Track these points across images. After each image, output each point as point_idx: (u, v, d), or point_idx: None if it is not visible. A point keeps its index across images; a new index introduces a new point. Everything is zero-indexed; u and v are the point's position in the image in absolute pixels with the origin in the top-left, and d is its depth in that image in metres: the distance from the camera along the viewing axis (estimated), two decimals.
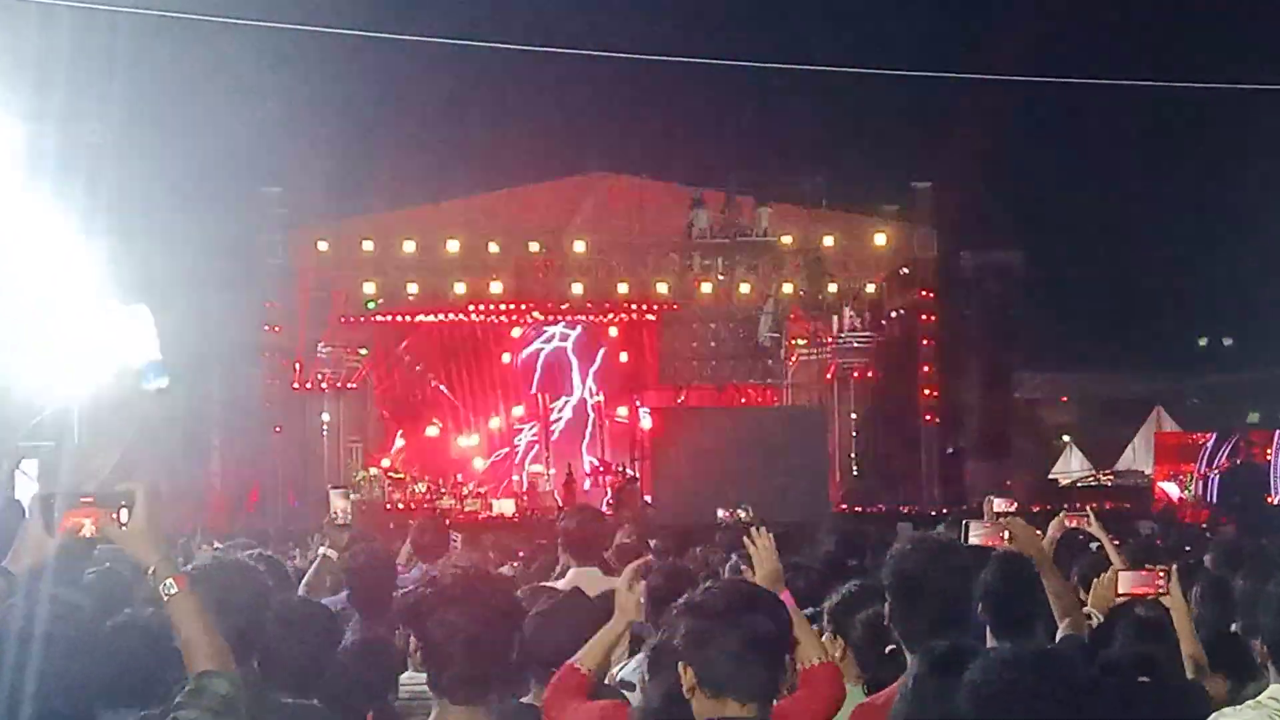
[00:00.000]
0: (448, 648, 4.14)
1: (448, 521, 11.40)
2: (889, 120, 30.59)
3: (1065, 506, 10.08)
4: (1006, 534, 6.62)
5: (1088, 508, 9.23)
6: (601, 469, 32.71)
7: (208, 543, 13.51)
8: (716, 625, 3.97)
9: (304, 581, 8.19)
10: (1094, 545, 8.67)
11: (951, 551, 5.24)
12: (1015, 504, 9.07)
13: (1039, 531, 6.99)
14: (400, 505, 30.49)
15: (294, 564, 10.45)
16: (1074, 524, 8.16)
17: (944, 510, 19.39)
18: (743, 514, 11.69)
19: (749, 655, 3.95)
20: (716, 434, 27.92)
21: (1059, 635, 6.28)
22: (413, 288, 32.29)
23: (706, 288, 31.92)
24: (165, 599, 4.03)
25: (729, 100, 30.53)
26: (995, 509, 8.44)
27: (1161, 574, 6.68)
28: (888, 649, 5.53)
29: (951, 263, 32.85)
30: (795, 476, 26.08)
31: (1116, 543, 8.55)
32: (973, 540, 6.76)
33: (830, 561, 9.19)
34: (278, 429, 31.51)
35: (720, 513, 12.36)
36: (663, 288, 31.83)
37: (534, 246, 32.08)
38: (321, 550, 8.54)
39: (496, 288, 32.19)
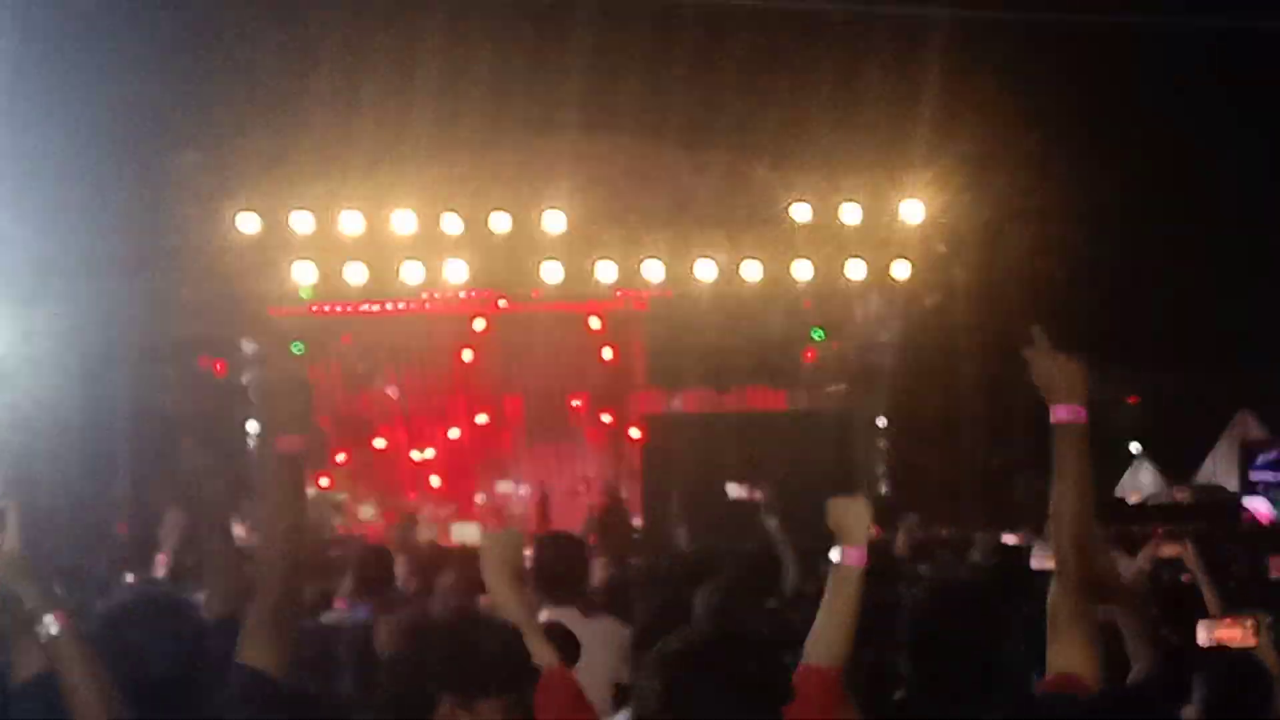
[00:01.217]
0: None
1: (417, 551, 11.35)
2: (923, 67, 30.48)
3: (1136, 528, 10.04)
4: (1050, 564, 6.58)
5: (1185, 537, 9.17)
6: (582, 488, 32.68)
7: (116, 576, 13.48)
8: (700, 678, 3.93)
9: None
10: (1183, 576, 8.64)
11: (978, 600, 5.17)
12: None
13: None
14: (341, 532, 30.45)
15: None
16: (1168, 553, 8.11)
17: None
18: (760, 494, 11.74)
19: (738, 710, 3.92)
20: (718, 445, 27.85)
21: (1130, 678, 6.26)
22: (355, 272, 32.21)
23: (706, 270, 31.87)
24: (44, 640, 4.00)
25: (732, 43, 30.43)
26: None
27: (1249, 623, 6.64)
28: None
29: (998, 238, 32.80)
30: (812, 495, 25.97)
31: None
32: (1035, 564, 6.77)
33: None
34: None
35: (732, 489, 12.43)
36: (654, 270, 31.76)
37: (500, 222, 32.02)
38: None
39: (455, 271, 32.12)
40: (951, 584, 5.33)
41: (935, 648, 4.89)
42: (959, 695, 5.35)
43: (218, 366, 32.00)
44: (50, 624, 3.94)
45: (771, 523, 10.87)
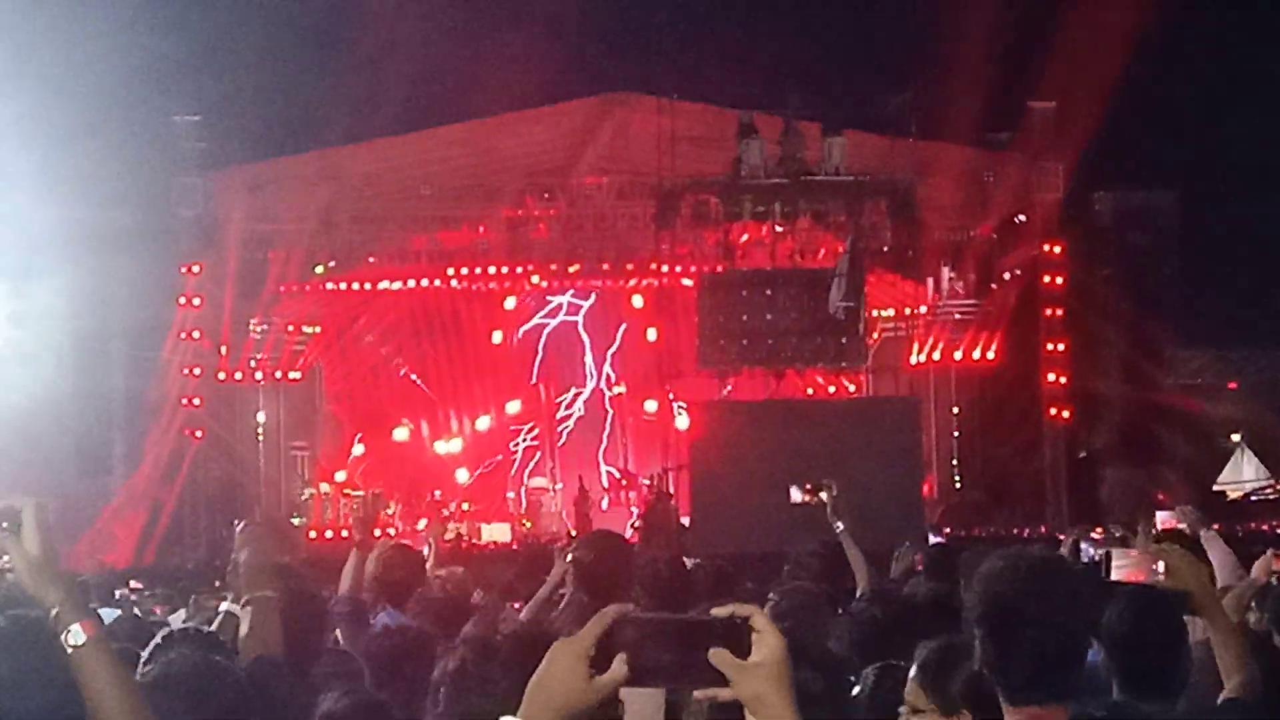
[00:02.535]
0: None
1: (426, 551, 11.31)
2: (996, 19, 30.32)
3: (1239, 528, 9.96)
4: (1160, 566, 6.52)
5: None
6: (624, 482, 32.65)
7: (117, 586, 13.50)
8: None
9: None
10: None
11: (1061, 571, 5.17)
12: (1184, 520, 8.94)
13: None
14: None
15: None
16: None
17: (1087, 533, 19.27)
18: (825, 495, 11.61)
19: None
20: (774, 435, 27.77)
21: (1221, 698, 6.18)
22: (373, 246, 32.27)
23: (759, 242, 31.76)
24: (70, 650, 4.00)
25: None
26: (1161, 525, 8.39)
27: None
28: None
29: (1083, 207, 32.64)
30: (879, 490, 25.90)
31: None
32: (1116, 574, 6.66)
33: (905, 600, 9.09)
34: (198, 433, 31.50)
35: (795, 493, 12.30)
36: (702, 243, 31.68)
37: (533, 190, 32.03)
38: (224, 607, 8.44)
39: (484, 245, 32.14)
40: (1023, 553, 5.38)
41: (1006, 615, 4.96)
42: (1166, 695, 5.85)
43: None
44: (76, 633, 3.94)
45: (839, 526, 10.80)
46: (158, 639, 6.21)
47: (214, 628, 8.33)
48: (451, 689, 5.34)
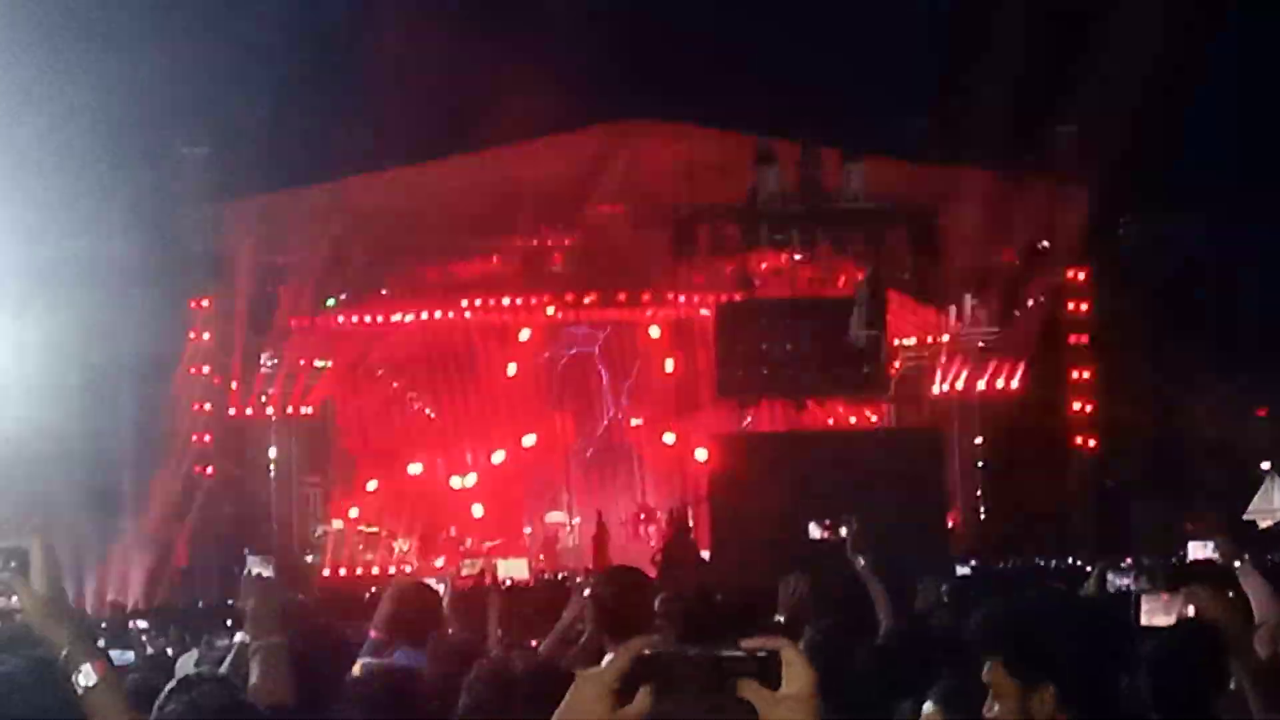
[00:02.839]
0: None
1: (442, 589, 11.28)
2: (1020, 42, 30.31)
3: (1269, 558, 9.93)
4: (1190, 610, 6.60)
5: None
6: (642, 516, 32.62)
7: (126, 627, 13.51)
8: None
9: (227, 665, 8.14)
10: None
11: (1073, 608, 5.20)
12: (1222, 551, 8.91)
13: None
14: (376, 569, 30.48)
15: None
16: None
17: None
18: (845, 530, 11.58)
19: None
20: (795, 468, 27.72)
21: None
22: (386, 279, 32.31)
23: (778, 270, 31.77)
24: (81, 691, 4.00)
25: (803, 21, 30.37)
26: (1193, 555, 8.42)
27: None
28: None
29: (1108, 232, 32.63)
30: (903, 523, 25.85)
31: None
32: (1146, 618, 6.75)
33: (930, 633, 9.07)
34: (208, 470, 31.53)
35: (814, 530, 12.28)
36: (720, 272, 31.69)
37: (547, 220, 32.07)
38: (238, 638, 8.46)
39: (498, 276, 32.17)
40: (1036, 590, 5.56)
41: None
42: None
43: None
44: (88, 674, 3.94)
45: (859, 562, 10.77)
46: (171, 684, 6.23)
47: (229, 659, 8.37)
48: None
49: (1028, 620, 4.86)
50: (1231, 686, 6.31)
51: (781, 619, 10.61)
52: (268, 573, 8.70)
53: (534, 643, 12.15)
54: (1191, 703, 5.91)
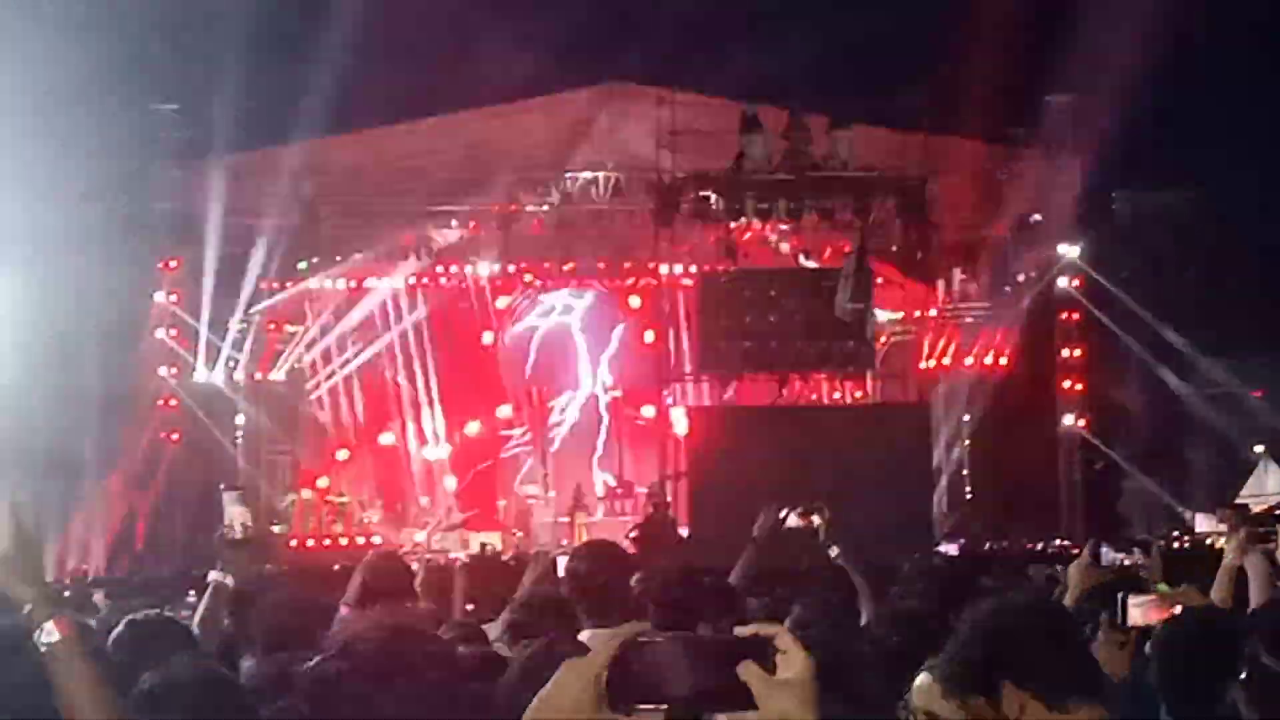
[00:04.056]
0: None
1: (415, 564, 11.23)
2: (1013, 9, 30.27)
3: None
4: (1179, 610, 6.66)
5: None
6: (620, 491, 32.57)
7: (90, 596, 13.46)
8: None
9: (196, 621, 8.13)
10: None
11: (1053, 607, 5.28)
12: (1227, 522, 8.94)
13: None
14: (344, 540, 30.42)
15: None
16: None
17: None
18: (817, 518, 11.56)
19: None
20: (778, 442, 27.73)
21: None
22: (359, 242, 32.21)
23: (763, 241, 31.73)
24: (43, 649, 3.98)
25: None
26: (1200, 527, 8.50)
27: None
28: None
29: (1101, 207, 32.62)
30: (886, 501, 25.91)
31: None
32: (1134, 616, 6.76)
33: (914, 616, 9.02)
34: (174, 436, 31.46)
35: (791, 519, 12.25)
36: (703, 241, 31.64)
37: (525, 185, 31.98)
38: (212, 576, 8.47)
39: (475, 242, 32.08)
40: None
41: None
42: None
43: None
44: (49, 631, 3.92)
45: (833, 552, 10.77)
46: (121, 626, 6.23)
47: (206, 597, 8.37)
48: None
49: (1010, 629, 4.89)
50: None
51: (755, 538, 10.68)
52: (242, 509, 8.74)
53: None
54: (1201, 692, 5.92)
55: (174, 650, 6.45)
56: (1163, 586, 7.26)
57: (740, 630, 2.86)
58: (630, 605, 8.32)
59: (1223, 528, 8.92)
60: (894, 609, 9.00)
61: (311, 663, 4.28)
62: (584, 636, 7.79)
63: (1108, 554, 13.32)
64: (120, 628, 6.51)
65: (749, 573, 10.33)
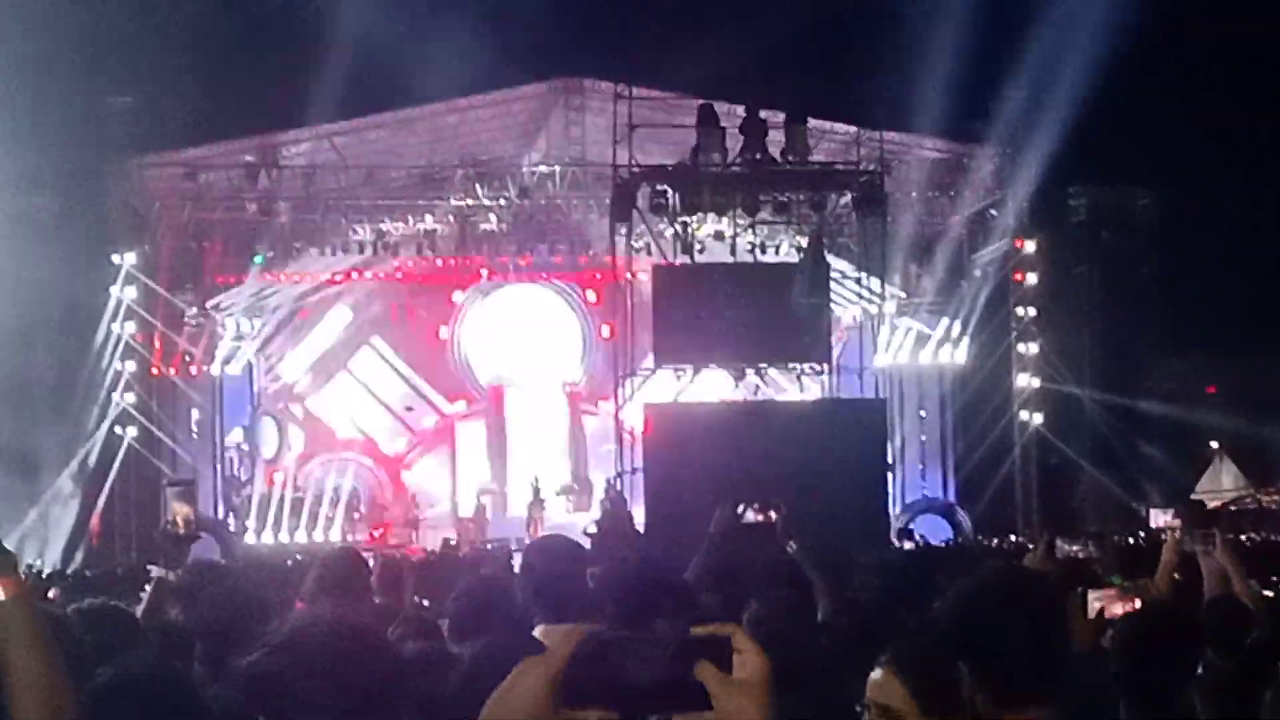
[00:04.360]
0: None
1: (371, 559, 11.20)
2: (970, 5, 30.33)
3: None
4: (1138, 604, 6.74)
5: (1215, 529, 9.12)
6: (577, 486, 32.58)
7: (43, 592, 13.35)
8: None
9: (140, 613, 8.13)
10: None
11: (1038, 586, 5.25)
12: (1183, 519, 8.98)
13: None
14: (301, 536, 30.38)
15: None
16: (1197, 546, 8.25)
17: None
18: (774, 514, 11.59)
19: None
20: (734, 438, 27.69)
21: None
22: (315, 237, 32.13)
23: (719, 235, 31.72)
24: None
25: None
26: (1155, 523, 8.58)
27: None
28: None
29: (1057, 203, 32.69)
30: (842, 496, 25.90)
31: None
32: (1093, 612, 6.82)
33: (869, 610, 9.03)
34: (130, 430, 31.34)
35: (748, 514, 12.28)
36: (660, 236, 31.62)
37: (482, 179, 31.93)
38: (154, 571, 8.46)
39: (431, 236, 32.02)
40: (1002, 569, 5.58)
41: (986, 637, 5.07)
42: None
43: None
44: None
45: (790, 547, 10.78)
46: (70, 612, 6.22)
47: (149, 591, 8.38)
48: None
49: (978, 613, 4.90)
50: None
51: (711, 533, 10.69)
52: (185, 507, 8.83)
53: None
54: (1159, 688, 5.95)
55: (123, 639, 6.46)
56: (1117, 579, 7.32)
57: (697, 630, 2.86)
58: (586, 601, 8.32)
59: (1177, 523, 8.94)
60: (849, 604, 9.03)
61: (252, 657, 4.28)
62: (538, 632, 7.79)
63: (1062, 547, 13.40)
64: (70, 614, 6.52)
65: (705, 569, 10.33)
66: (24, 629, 3.94)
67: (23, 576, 4.11)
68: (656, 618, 7.55)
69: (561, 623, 7.66)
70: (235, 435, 33.63)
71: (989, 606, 4.87)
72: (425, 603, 12.25)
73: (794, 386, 33.11)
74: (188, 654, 6.59)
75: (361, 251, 32.92)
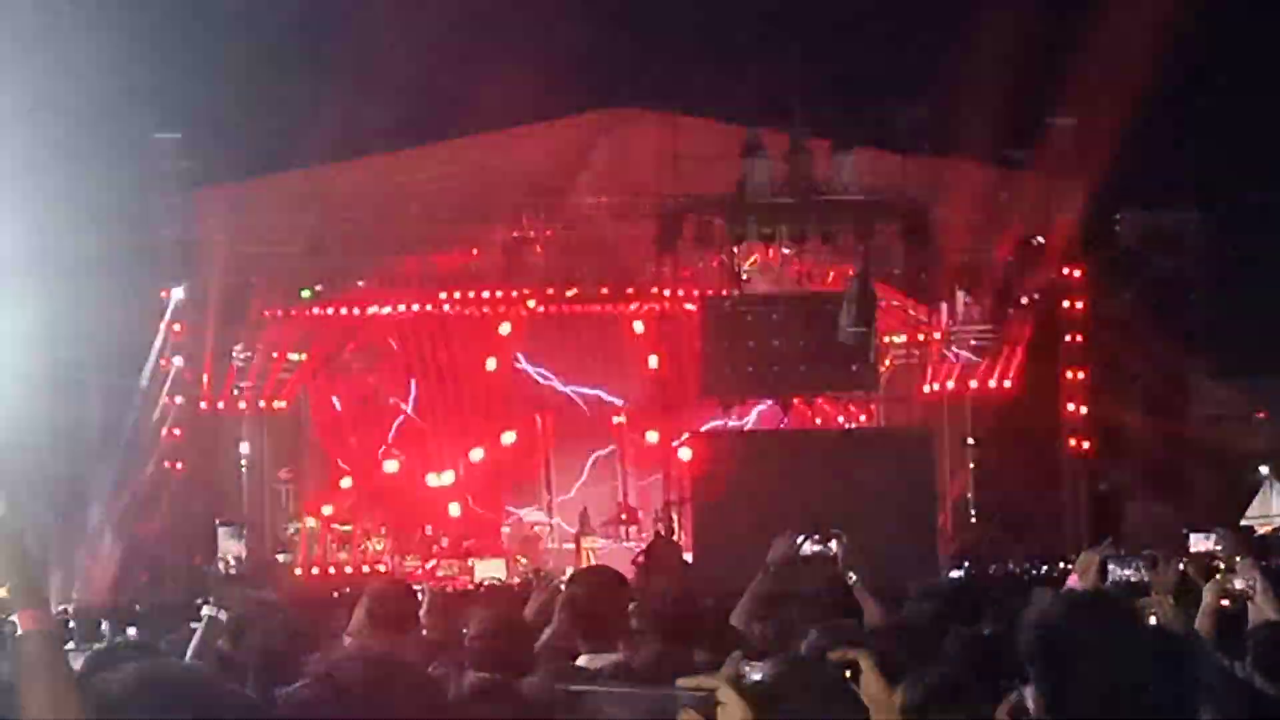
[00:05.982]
0: None
1: (421, 593, 11.23)
2: (1015, 30, 30.28)
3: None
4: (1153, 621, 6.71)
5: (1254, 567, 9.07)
6: (624, 517, 32.57)
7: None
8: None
9: (189, 653, 8.16)
10: None
11: (1128, 614, 5.25)
12: (1221, 544, 8.97)
13: None
14: (349, 568, 30.43)
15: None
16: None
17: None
18: (834, 544, 11.60)
19: None
20: (781, 468, 27.71)
21: None
22: (362, 269, 32.24)
23: (766, 265, 31.74)
24: (12, 639, 3.97)
25: (793, 8, 30.34)
26: (1194, 548, 8.55)
27: None
28: None
29: (1105, 229, 32.61)
30: (891, 524, 25.88)
31: None
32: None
33: (924, 634, 9.05)
34: (178, 465, 31.45)
35: (806, 546, 12.26)
36: (706, 266, 31.65)
37: (529, 211, 32.00)
38: (205, 611, 8.51)
39: (478, 268, 32.10)
40: (1090, 592, 5.52)
41: (1068, 659, 5.06)
42: None
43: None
44: (17, 623, 3.88)
45: (851, 578, 10.78)
46: (98, 647, 6.24)
47: (199, 631, 8.42)
48: None
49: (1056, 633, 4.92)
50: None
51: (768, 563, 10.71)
52: (237, 545, 8.88)
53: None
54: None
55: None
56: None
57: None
58: (627, 631, 8.38)
59: (1219, 548, 8.89)
60: (896, 624, 9.05)
61: (292, 688, 4.33)
62: (581, 662, 7.86)
63: (1115, 570, 13.38)
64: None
65: (758, 597, 10.36)
66: (42, 664, 3.95)
67: (52, 613, 4.12)
68: (696, 646, 7.62)
69: (603, 652, 7.75)
70: (284, 469, 33.71)
71: (1071, 632, 4.88)
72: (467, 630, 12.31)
73: (842, 416, 33.15)
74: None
75: (408, 284, 33.03)
